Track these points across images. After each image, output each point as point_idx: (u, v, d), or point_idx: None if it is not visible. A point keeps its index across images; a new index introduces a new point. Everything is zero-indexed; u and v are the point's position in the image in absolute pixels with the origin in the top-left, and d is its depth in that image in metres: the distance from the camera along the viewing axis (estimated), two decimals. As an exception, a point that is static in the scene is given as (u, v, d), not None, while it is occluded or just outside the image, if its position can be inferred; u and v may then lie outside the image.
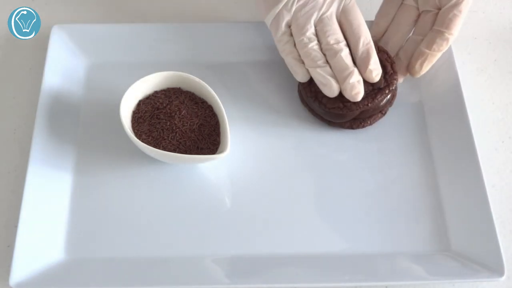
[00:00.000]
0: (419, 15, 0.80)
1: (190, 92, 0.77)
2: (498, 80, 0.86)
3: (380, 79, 0.76)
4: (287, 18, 0.77)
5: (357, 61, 0.75)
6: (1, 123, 0.80)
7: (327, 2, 0.76)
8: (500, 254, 0.67)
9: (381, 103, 0.77)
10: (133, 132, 0.74)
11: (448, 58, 0.81)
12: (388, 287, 0.70)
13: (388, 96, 0.77)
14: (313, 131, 0.79)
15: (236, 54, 0.84)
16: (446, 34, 0.77)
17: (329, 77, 0.74)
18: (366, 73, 0.74)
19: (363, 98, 0.75)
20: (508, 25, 0.91)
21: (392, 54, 0.81)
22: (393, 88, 0.77)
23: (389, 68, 0.77)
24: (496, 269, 0.67)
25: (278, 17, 0.77)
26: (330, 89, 0.74)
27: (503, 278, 0.67)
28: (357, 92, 0.73)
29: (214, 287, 0.68)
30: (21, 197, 0.71)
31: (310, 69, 0.76)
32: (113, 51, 0.83)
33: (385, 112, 0.79)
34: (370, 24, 0.84)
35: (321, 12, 0.76)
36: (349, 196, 0.75)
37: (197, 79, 0.76)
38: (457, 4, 0.76)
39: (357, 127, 0.78)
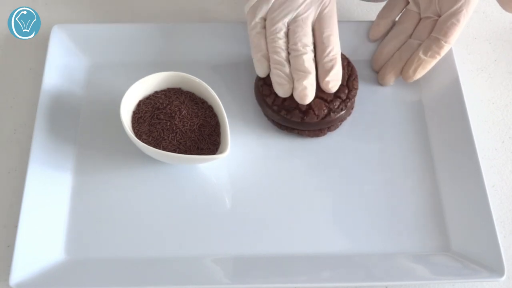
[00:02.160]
0: (419, 21, 0.81)
1: (190, 93, 0.77)
2: (498, 80, 0.86)
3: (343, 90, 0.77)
4: (264, 10, 0.77)
5: (319, 69, 0.76)
6: (1, 123, 0.80)
7: (305, 3, 0.77)
8: (500, 254, 0.68)
9: (338, 115, 0.77)
10: (133, 132, 0.74)
11: (448, 58, 0.81)
12: (388, 287, 0.70)
13: (345, 108, 0.77)
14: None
15: (236, 54, 0.84)
16: (443, 42, 0.77)
17: (284, 77, 0.74)
18: (323, 82, 0.75)
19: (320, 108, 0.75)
20: (508, 25, 0.91)
21: (388, 56, 0.81)
22: (349, 100, 0.77)
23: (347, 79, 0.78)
24: (496, 269, 0.67)
25: (255, 7, 0.77)
26: (282, 88, 0.74)
27: (503, 278, 0.67)
28: (305, 94, 0.73)
29: (214, 287, 0.68)
30: (21, 197, 0.71)
31: (271, 65, 0.76)
32: (113, 51, 0.83)
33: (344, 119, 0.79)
34: (370, 24, 0.84)
35: (296, 13, 0.76)
36: (349, 196, 0.75)
37: (197, 80, 0.76)
38: (455, 13, 0.77)
39: (316, 135, 0.79)
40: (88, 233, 0.72)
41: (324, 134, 0.78)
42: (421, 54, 0.78)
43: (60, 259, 0.70)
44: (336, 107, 0.76)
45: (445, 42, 0.77)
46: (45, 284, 0.67)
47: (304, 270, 0.69)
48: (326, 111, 0.75)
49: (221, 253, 0.71)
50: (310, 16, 0.77)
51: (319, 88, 0.75)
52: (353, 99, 0.77)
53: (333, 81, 0.75)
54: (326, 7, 0.77)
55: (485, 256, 0.68)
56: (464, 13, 0.77)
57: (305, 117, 0.75)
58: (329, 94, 0.76)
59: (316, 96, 0.75)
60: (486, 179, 0.73)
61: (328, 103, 0.76)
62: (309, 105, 0.75)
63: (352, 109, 0.79)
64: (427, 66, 0.78)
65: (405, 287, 0.71)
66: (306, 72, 0.74)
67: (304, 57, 0.74)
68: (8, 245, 0.72)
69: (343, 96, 0.76)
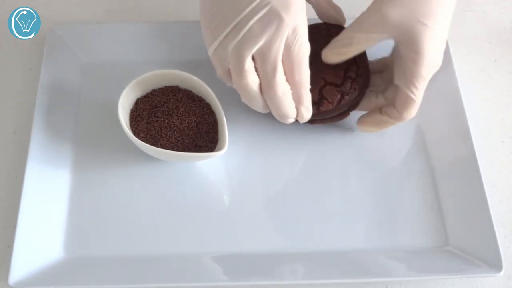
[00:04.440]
0: None
1: (187, 90, 0.77)
2: (498, 80, 0.86)
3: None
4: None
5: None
6: (1, 123, 0.81)
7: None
8: (498, 249, 0.68)
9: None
10: (131, 131, 0.74)
11: (447, 58, 0.81)
12: (387, 283, 0.70)
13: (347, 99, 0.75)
14: (312, 129, 0.79)
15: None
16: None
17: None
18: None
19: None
20: (508, 25, 0.91)
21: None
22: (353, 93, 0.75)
23: (354, 71, 0.75)
24: (494, 264, 0.67)
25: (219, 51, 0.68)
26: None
27: (501, 273, 0.67)
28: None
29: (213, 285, 0.68)
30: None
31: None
32: (111, 50, 0.83)
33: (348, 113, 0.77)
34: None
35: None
36: (348, 193, 0.75)
37: (194, 77, 0.75)
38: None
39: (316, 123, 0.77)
40: (87, 231, 0.72)
41: (347, 115, 0.77)
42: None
43: (59, 257, 0.70)
44: (348, 89, 0.74)
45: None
46: (44, 283, 0.67)
47: (303, 267, 0.70)
48: (339, 95, 0.74)
49: (220, 251, 0.71)
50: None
51: (326, 72, 0.74)
52: (364, 76, 0.75)
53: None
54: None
55: (483, 252, 0.68)
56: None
57: (320, 107, 0.74)
58: (339, 76, 0.74)
59: (326, 83, 0.74)
60: (486, 179, 0.73)
61: (339, 87, 0.74)
62: (322, 94, 0.74)
63: (367, 86, 0.76)
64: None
65: (404, 283, 0.70)
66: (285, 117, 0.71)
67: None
68: (8, 245, 0.71)
69: (353, 75, 0.75)
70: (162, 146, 0.73)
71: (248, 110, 0.79)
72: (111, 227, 0.72)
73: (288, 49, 0.66)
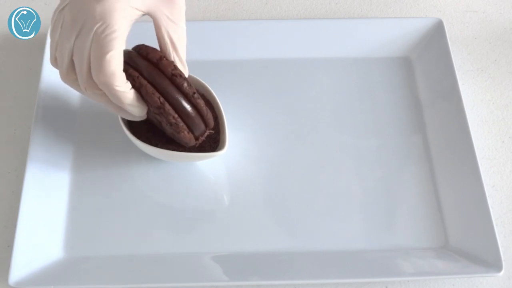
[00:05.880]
0: None
1: (188, 90, 0.77)
2: (498, 80, 0.86)
3: None
4: None
5: None
6: (1, 123, 0.81)
7: None
8: (498, 249, 0.67)
9: None
10: (131, 131, 0.74)
11: (447, 58, 0.81)
12: (387, 283, 0.70)
13: None
14: (311, 129, 0.79)
15: (234, 52, 0.84)
16: None
17: None
18: None
19: None
20: (508, 25, 0.91)
21: None
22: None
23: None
24: (494, 264, 0.67)
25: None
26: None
27: (501, 273, 0.66)
28: None
29: (213, 284, 0.68)
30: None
31: None
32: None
33: None
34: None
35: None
36: (348, 193, 0.75)
37: (195, 77, 0.76)
38: None
39: None
40: (87, 231, 0.72)
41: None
42: None
43: (59, 257, 0.70)
44: None
45: None
46: (44, 282, 0.67)
47: (302, 267, 0.69)
48: None
49: (220, 250, 0.71)
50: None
51: None
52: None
53: None
54: None
55: (483, 252, 0.68)
56: None
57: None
58: None
59: None
60: (486, 179, 0.73)
61: None
62: None
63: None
64: None
65: (404, 283, 0.70)
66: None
67: None
68: (8, 245, 0.71)
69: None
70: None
71: (248, 110, 0.80)
72: (111, 227, 0.72)
73: None
